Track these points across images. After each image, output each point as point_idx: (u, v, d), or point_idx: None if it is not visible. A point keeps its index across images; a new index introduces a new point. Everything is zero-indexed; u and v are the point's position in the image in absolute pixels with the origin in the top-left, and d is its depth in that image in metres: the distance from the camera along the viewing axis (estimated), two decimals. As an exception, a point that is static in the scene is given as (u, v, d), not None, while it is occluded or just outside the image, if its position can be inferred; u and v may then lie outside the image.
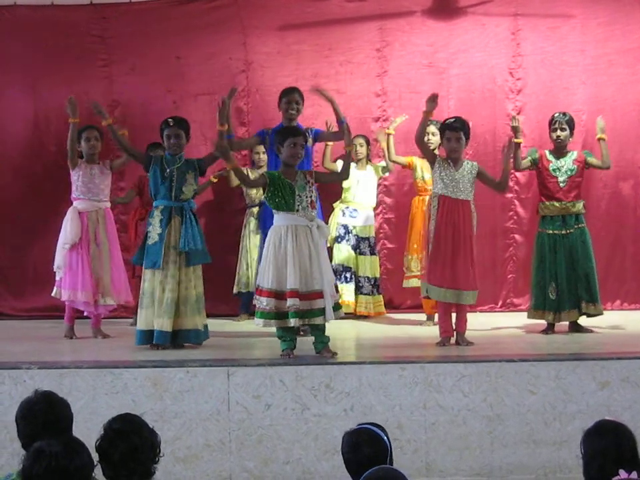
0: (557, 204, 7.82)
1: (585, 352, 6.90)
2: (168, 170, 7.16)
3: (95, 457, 3.41)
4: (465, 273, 7.10)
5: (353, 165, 8.99)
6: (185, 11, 9.53)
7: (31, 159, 9.62)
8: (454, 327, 7.21)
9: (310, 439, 6.11)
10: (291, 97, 7.80)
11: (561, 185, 7.81)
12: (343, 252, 8.99)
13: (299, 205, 6.55)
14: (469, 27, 9.48)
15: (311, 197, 6.62)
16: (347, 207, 9.07)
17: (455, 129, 7.19)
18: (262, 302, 6.52)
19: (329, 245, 8.76)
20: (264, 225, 7.87)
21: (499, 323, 8.39)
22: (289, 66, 9.46)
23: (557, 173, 7.83)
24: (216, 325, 7.98)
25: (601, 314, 7.87)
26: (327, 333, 6.65)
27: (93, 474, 3.33)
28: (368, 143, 9.16)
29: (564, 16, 9.41)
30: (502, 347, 7.20)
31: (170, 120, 7.28)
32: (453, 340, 7.17)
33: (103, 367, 6.32)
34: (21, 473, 3.22)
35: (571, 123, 7.86)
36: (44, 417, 3.78)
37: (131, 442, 3.49)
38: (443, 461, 6.13)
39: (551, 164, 7.85)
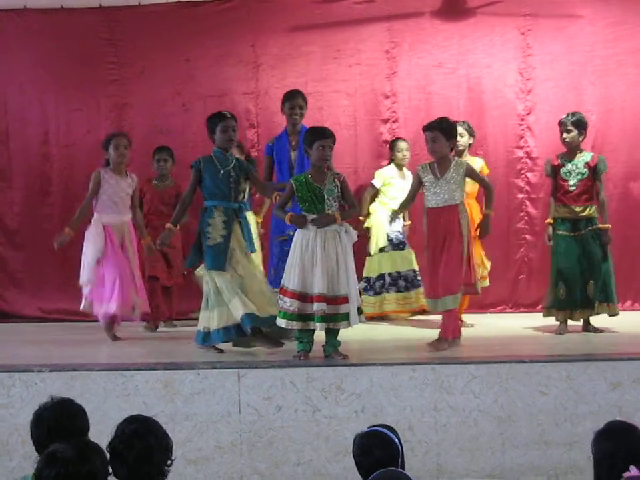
0: (567, 208, 7.76)
1: (596, 352, 6.89)
2: (223, 171, 6.86)
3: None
4: (444, 279, 6.84)
5: (396, 172, 8.96)
6: (194, 14, 9.54)
7: (42, 162, 9.64)
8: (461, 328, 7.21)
9: (321, 440, 6.11)
10: (294, 102, 7.74)
11: (571, 188, 7.73)
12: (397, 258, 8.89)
13: (328, 209, 6.50)
14: (478, 28, 9.46)
15: (339, 200, 6.55)
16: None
17: (430, 128, 6.94)
18: (285, 302, 6.48)
19: (374, 253, 8.83)
20: (274, 227, 7.81)
21: (509, 324, 8.37)
22: (298, 67, 9.47)
23: (568, 177, 7.75)
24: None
25: (617, 314, 7.81)
26: (338, 337, 6.63)
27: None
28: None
29: (573, 16, 9.40)
30: (513, 347, 7.18)
31: (226, 112, 6.99)
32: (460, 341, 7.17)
33: (114, 369, 6.31)
34: (34, 476, 3.23)
35: (578, 123, 7.72)
36: (53, 425, 3.77)
37: (147, 443, 3.49)
38: (454, 463, 6.12)
39: (562, 168, 7.78)
